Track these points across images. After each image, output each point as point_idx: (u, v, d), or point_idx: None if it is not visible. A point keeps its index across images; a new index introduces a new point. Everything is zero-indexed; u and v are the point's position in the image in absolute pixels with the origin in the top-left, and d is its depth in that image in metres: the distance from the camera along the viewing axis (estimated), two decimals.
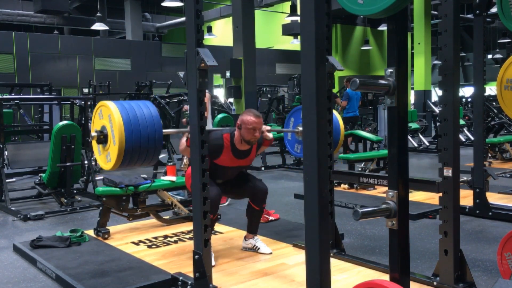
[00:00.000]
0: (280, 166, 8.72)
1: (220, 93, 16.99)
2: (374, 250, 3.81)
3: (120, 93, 12.27)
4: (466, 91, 27.44)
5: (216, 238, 4.03)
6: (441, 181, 2.76)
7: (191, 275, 2.88)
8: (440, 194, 2.78)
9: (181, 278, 3.02)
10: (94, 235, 4.19)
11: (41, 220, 5.04)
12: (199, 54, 2.68)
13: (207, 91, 3.21)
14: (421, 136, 11.11)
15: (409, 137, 9.89)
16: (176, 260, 3.53)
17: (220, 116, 7.45)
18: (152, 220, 4.58)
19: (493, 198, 5.08)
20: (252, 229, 3.69)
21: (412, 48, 14.82)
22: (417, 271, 3.16)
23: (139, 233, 4.27)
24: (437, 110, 11.02)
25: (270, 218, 4.63)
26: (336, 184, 5.97)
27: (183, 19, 17.63)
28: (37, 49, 14.28)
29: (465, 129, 11.47)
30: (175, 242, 4.00)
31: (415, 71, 14.98)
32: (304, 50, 1.93)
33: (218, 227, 4.37)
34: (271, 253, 3.60)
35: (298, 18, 13.92)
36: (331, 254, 3.12)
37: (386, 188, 2.16)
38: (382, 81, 2.09)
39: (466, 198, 4.82)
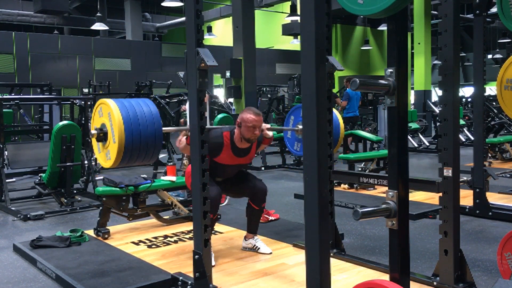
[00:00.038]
0: (280, 166, 8.73)
1: (220, 93, 16.99)
2: (374, 250, 3.81)
3: (120, 93, 12.22)
4: (466, 91, 27.44)
5: (216, 238, 4.03)
6: (441, 181, 2.76)
7: (191, 275, 2.88)
8: (440, 194, 2.78)
9: (181, 278, 3.02)
10: (94, 235, 4.19)
11: (41, 220, 5.04)
12: (199, 54, 2.68)
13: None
14: (421, 136, 11.11)
15: (409, 137, 9.89)
16: (176, 260, 3.53)
17: (220, 116, 7.44)
18: (152, 220, 4.58)
19: (493, 198, 5.08)
20: (252, 229, 3.69)
21: (412, 48, 14.82)
22: (417, 271, 3.15)
23: (139, 233, 4.27)
24: (437, 110, 11.02)
25: (270, 218, 4.63)
26: (336, 184, 5.97)
27: (183, 19, 17.63)
28: (37, 49, 14.28)
29: (465, 129, 11.47)
30: (175, 242, 4.00)
31: (415, 71, 14.98)
32: (304, 50, 1.93)
33: (218, 227, 4.37)
34: (271, 253, 3.60)
35: (298, 18, 13.92)
36: (331, 254, 3.12)
37: (386, 188, 2.16)
38: (382, 81, 2.09)
39: (466, 198, 4.82)
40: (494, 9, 9.62)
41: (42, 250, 3.80)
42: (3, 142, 5.79)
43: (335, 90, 12.17)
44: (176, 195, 5.16)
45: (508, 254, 2.68)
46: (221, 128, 3.56)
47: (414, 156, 9.99)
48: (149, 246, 3.89)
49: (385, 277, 2.64)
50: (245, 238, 3.72)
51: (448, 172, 2.73)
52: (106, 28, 15.19)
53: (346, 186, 6.16)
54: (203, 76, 2.72)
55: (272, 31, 19.32)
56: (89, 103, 7.30)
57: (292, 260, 3.45)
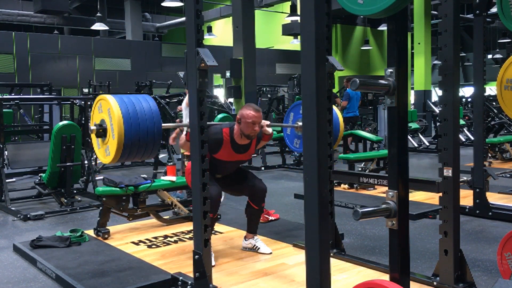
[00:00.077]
0: (280, 166, 8.73)
1: (220, 93, 16.99)
2: (374, 250, 3.81)
3: (120, 93, 12.26)
4: (466, 91, 27.44)
5: (216, 238, 4.03)
6: (441, 181, 2.76)
7: (191, 275, 2.88)
8: (440, 194, 2.78)
9: (181, 278, 3.02)
10: (94, 235, 4.19)
11: (41, 220, 5.04)
12: (199, 54, 2.68)
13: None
14: (421, 136, 11.11)
15: (409, 137, 9.89)
16: (176, 260, 3.53)
17: (220, 116, 7.43)
18: (152, 220, 4.58)
19: (493, 198, 5.08)
20: (252, 229, 3.69)
21: (412, 48, 14.82)
22: (417, 271, 3.16)
23: (139, 233, 4.27)
24: (437, 110, 11.02)
25: (270, 218, 4.63)
26: (336, 184, 5.97)
27: (183, 19, 17.63)
28: (37, 49, 14.28)
29: (465, 129, 11.47)
30: (175, 242, 4.00)
31: (415, 71, 14.98)
32: (304, 50, 1.93)
33: (218, 227, 4.37)
34: (271, 253, 3.60)
35: (298, 18, 13.93)
36: (331, 254, 3.12)
37: (386, 188, 2.16)
38: (382, 81, 2.09)
39: (466, 198, 4.82)
40: (494, 9, 9.61)
41: (42, 250, 3.80)
42: (3, 142, 5.80)
43: (335, 90, 12.17)
44: (176, 197, 5.16)
45: (508, 254, 2.68)
46: (221, 124, 3.56)
47: (414, 156, 9.99)
48: (149, 246, 3.89)
49: (385, 277, 2.64)
50: (245, 238, 3.72)
51: (448, 172, 2.73)
52: (106, 28, 15.19)
53: (346, 186, 6.16)
54: (203, 76, 2.72)
55: (272, 31, 19.31)
56: (89, 103, 7.30)
57: (292, 260, 3.45)
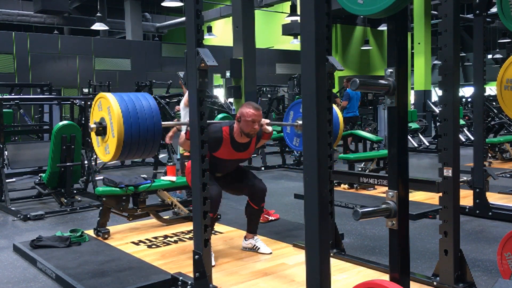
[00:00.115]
0: (280, 166, 8.72)
1: (220, 93, 16.99)
2: (374, 250, 3.81)
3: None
4: (466, 91, 27.44)
5: (216, 238, 4.03)
6: (441, 181, 2.76)
7: (191, 275, 2.88)
8: (440, 194, 2.78)
9: (181, 278, 3.02)
10: (94, 235, 4.19)
11: (41, 220, 5.04)
12: (199, 54, 2.68)
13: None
14: (421, 136, 11.11)
15: (409, 137, 9.89)
16: (176, 260, 3.53)
17: (220, 116, 7.44)
18: (152, 220, 4.58)
19: (493, 198, 5.08)
20: (252, 229, 3.69)
21: (412, 48, 14.82)
22: (417, 271, 3.16)
23: (139, 233, 4.27)
24: (437, 110, 11.02)
25: (270, 218, 4.63)
26: (336, 184, 5.97)
27: (183, 19, 17.63)
28: (37, 49, 14.28)
29: (465, 129, 11.47)
30: (175, 242, 4.00)
31: (415, 71, 14.98)
32: (304, 50, 1.93)
33: (218, 227, 4.37)
34: (271, 253, 3.60)
35: (298, 18, 13.93)
36: (331, 254, 3.12)
37: (386, 188, 2.16)
38: (382, 81, 2.09)
39: (466, 198, 4.82)
40: (494, 9, 9.61)
41: (42, 250, 3.80)
42: (3, 142, 5.80)
43: (335, 90, 12.18)
44: (175, 197, 5.16)
45: (508, 254, 2.68)
46: (221, 123, 3.56)
47: (414, 156, 9.99)
48: (149, 246, 3.89)
49: (385, 277, 2.65)
50: (245, 238, 3.72)
51: (448, 172, 2.73)
52: (106, 28, 15.19)
53: (346, 186, 6.16)
54: (203, 76, 2.72)
55: (272, 31, 19.31)
56: (89, 103, 7.30)
57: (292, 260, 3.45)
